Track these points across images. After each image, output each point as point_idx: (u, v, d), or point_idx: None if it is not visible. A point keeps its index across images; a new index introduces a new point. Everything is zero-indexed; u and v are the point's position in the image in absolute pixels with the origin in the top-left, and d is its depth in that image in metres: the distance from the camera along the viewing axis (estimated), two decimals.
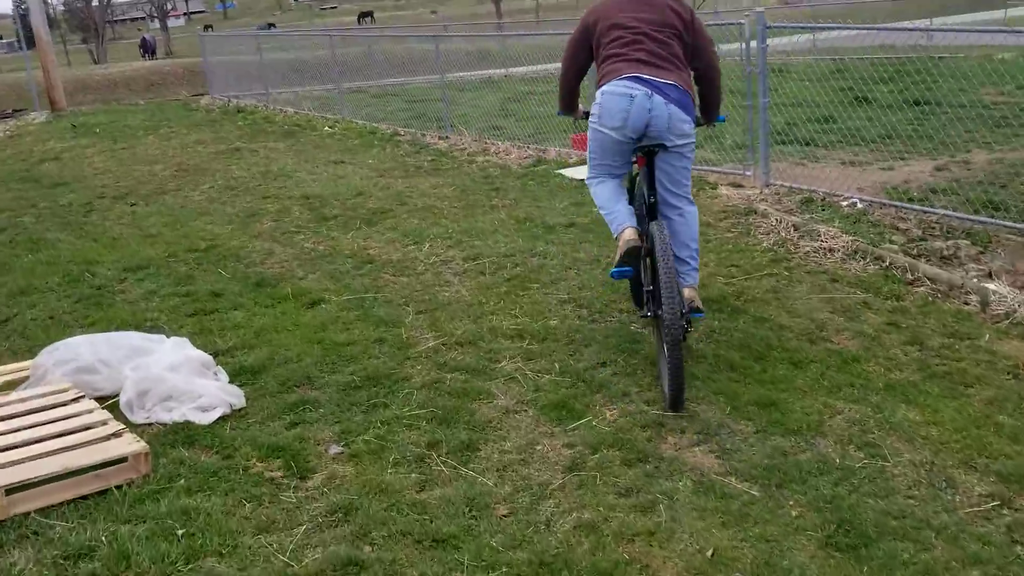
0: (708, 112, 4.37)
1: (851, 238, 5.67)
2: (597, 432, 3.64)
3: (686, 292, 4.09)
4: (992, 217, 5.88)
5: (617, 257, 3.99)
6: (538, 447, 3.57)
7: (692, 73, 4.12)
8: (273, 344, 4.67)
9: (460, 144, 10.09)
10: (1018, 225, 5.68)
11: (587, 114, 4.22)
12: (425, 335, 4.74)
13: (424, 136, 10.87)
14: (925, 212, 6.18)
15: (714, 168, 7.95)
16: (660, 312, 3.79)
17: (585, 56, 4.26)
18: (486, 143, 9.98)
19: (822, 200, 6.64)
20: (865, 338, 4.37)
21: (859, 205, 6.45)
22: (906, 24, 20.25)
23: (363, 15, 65.46)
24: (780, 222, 6.10)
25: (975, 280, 4.94)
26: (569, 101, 4.47)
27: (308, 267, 5.96)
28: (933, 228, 6.01)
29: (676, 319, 3.64)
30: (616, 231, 4.07)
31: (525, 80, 18.10)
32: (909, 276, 5.10)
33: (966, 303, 4.75)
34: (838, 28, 9.77)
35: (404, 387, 4.14)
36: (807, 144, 8.93)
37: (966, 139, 8.92)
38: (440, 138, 10.58)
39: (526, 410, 3.87)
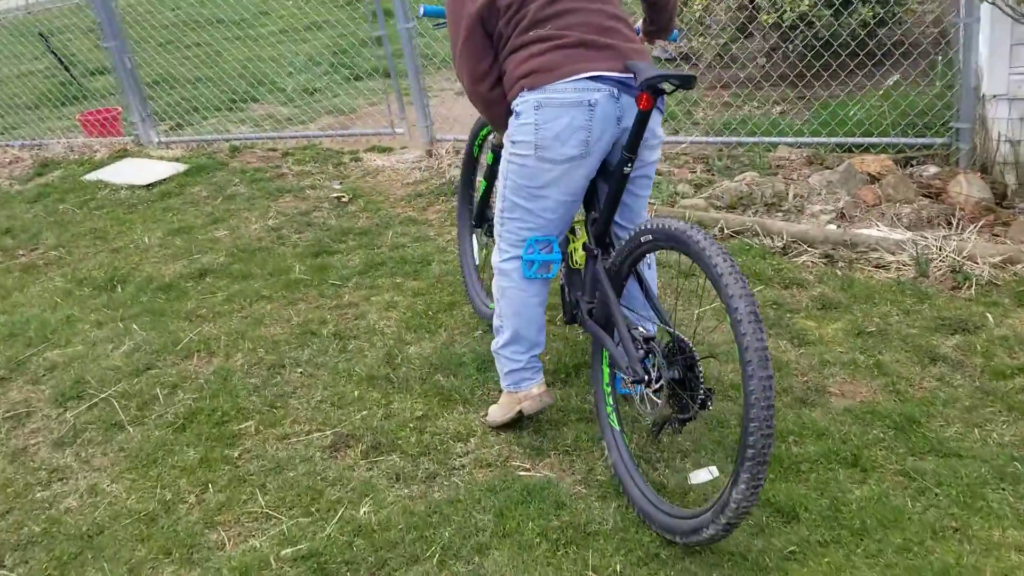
0: (657, 33, 2.58)
1: None
2: None
3: None
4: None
5: (502, 419, 2.56)
6: None
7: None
8: None
9: None
10: (754, 140, 4.55)
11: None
12: None
13: None
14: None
15: (344, 132, 5.51)
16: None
17: (491, 41, 2.33)
18: None
19: None
20: (881, 375, 2.74)
21: None
22: None
23: None
24: None
25: (855, 230, 3.62)
26: (503, 117, 2.36)
27: None
28: (678, 159, 4.63)
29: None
30: (515, 384, 2.54)
31: None
32: (771, 242, 3.61)
33: (878, 266, 3.40)
34: None
35: None
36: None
37: None
38: None
39: None
